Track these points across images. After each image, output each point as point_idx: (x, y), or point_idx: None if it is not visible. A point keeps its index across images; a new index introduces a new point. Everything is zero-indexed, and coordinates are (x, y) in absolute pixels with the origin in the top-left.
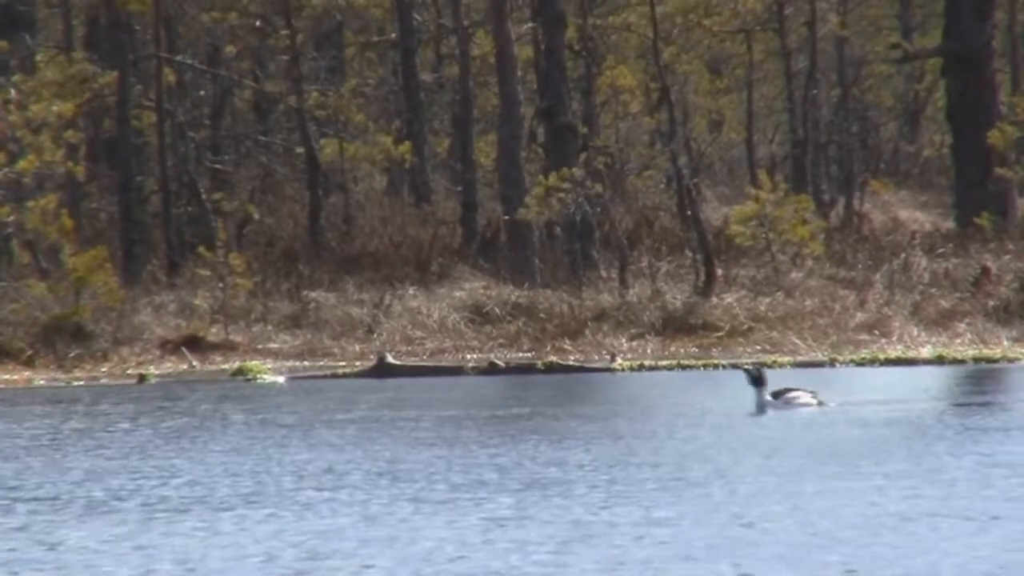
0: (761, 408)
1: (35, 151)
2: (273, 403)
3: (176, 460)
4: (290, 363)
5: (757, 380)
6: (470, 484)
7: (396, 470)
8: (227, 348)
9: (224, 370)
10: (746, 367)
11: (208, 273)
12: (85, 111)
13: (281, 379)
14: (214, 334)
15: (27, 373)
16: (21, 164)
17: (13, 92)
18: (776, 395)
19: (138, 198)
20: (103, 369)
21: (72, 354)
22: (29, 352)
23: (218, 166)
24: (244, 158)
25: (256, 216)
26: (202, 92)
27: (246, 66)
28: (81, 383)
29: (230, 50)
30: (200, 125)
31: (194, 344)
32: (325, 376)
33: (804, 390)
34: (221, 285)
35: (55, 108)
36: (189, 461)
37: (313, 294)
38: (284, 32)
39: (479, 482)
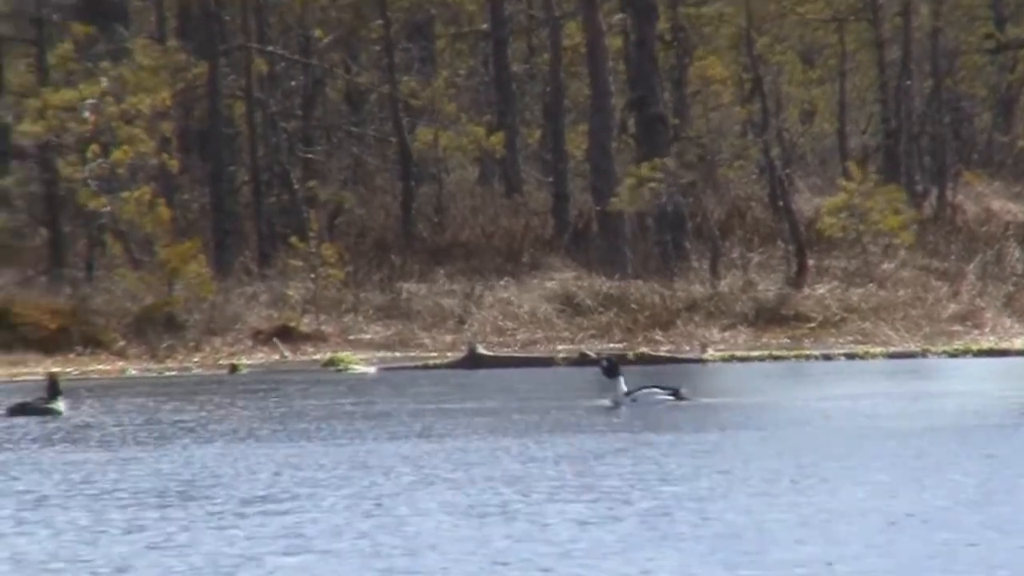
0: (617, 402)
1: (128, 142)
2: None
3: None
4: (381, 354)
5: (610, 372)
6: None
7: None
8: (318, 339)
9: (315, 361)
10: (599, 358)
11: (300, 263)
12: (177, 102)
13: (372, 369)
14: (306, 324)
15: (120, 363)
16: (115, 155)
17: (106, 82)
18: (631, 392)
19: (230, 189)
20: (195, 360)
21: (164, 345)
22: (122, 343)
23: (310, 156)
24: (336, 148)
25: (348, 206)
26: (294, 82)
27: (338, 56)
28: (173, 373)
29: (321, 36)
30: (292, 115)
31: (286, 335)
32: (416, 367)
33: (660, 387)
34: (313, 276)
35: (148, 99)
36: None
37: (404, 285)
38: (377, 22)
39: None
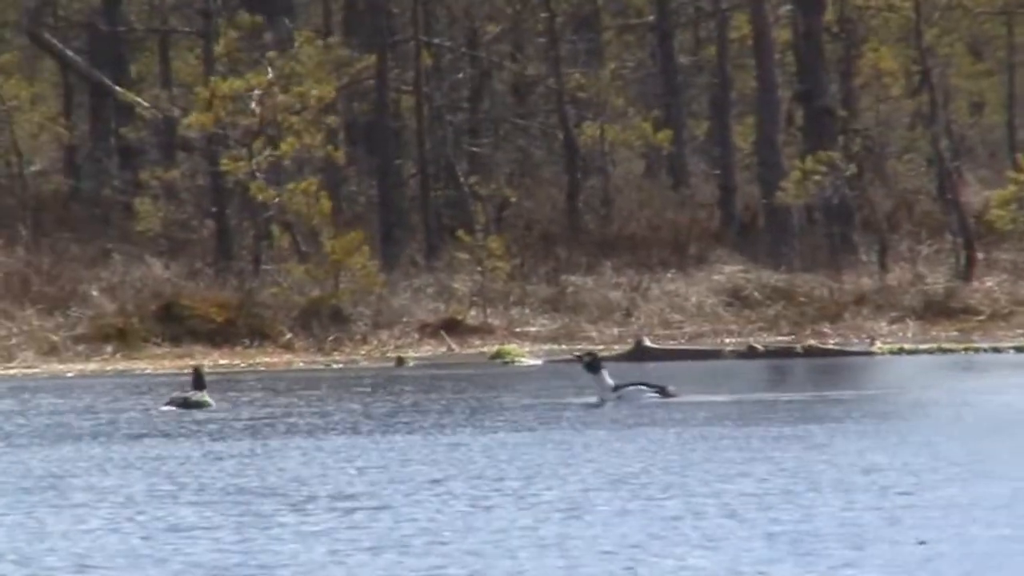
0: (605, 397)
1: (295, 135)
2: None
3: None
4: (547, 346)
5: (592, 367)
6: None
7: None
8: (485, 331)
9: (482, 353)
10: (579, 355)
11: (466, 256)
12: (344, 95)
13: (539, 362)
14: (472, 317)
15: (287, 356)
16: (282, 148)
17: (272, 74)
18: (618, 388)
19: (396, 182)
20: (361, 352)
21: (331, 337)
22: (289, 335)
23: (476, 149)
24: (502, 141)
25: (514, 199)
26: (460, 75)
27: (504, 48)
28: (340, 366)
29: (493, 28)
30: (458, 108)
31: (452, 327)
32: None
33: (647, 384)
34: (479, 268)
35: (314, 92)
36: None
37: (571, 277)
38: (543, 15)
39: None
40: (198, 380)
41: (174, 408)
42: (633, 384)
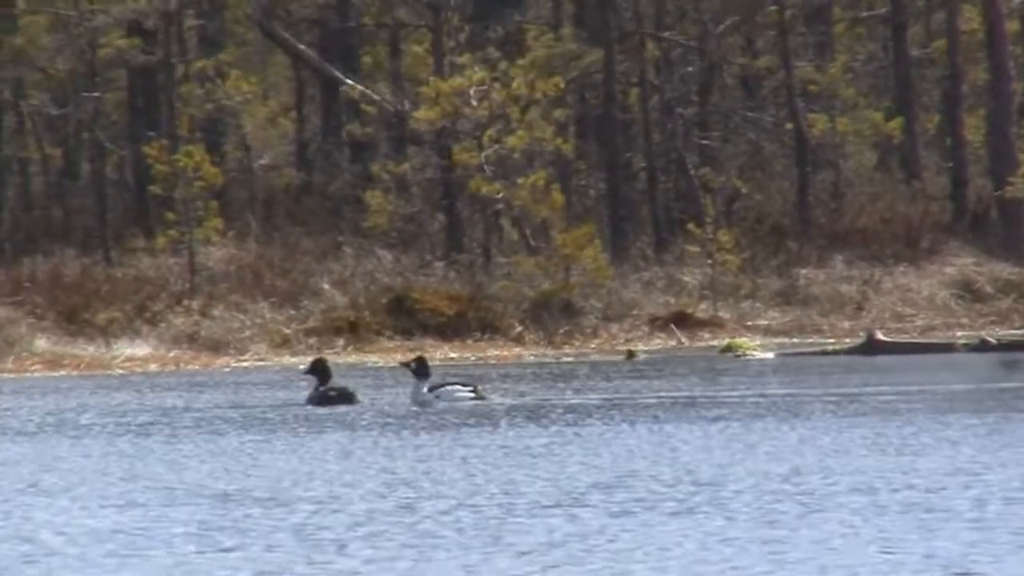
0: (419, 401)
1: (524, 128)
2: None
3: None
4: (778, 340)
5: (418, 373)
6: None
7: None
8: (715, 325)
9: (712, 347)
10: (404, 361)
11: (696, 250)
12: (573, 88)
13: (770, 355)
14: (702, 311)
15: (516, 349)
16: (510, 141)
17: (500, 68)
18: (433, 389)
19: (626, 175)
20: (592, 345)
21: (561, 330)
22: (519, 328)
23: (706, 142)
24: (732, 134)
25: (744, 192)
26: (690, 68)
27: (734, 41)
28: (570, 359)
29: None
30: (688, 101)
31: (682, 321)
32: (814, 353)
33: (461, 384)
34: (709, 261)
35: (542, 85)
36: None
37: (802, 271)
38: (773, 7)
39: None
40: (324, 372)
41: (317, 404)
42: (447, 384)
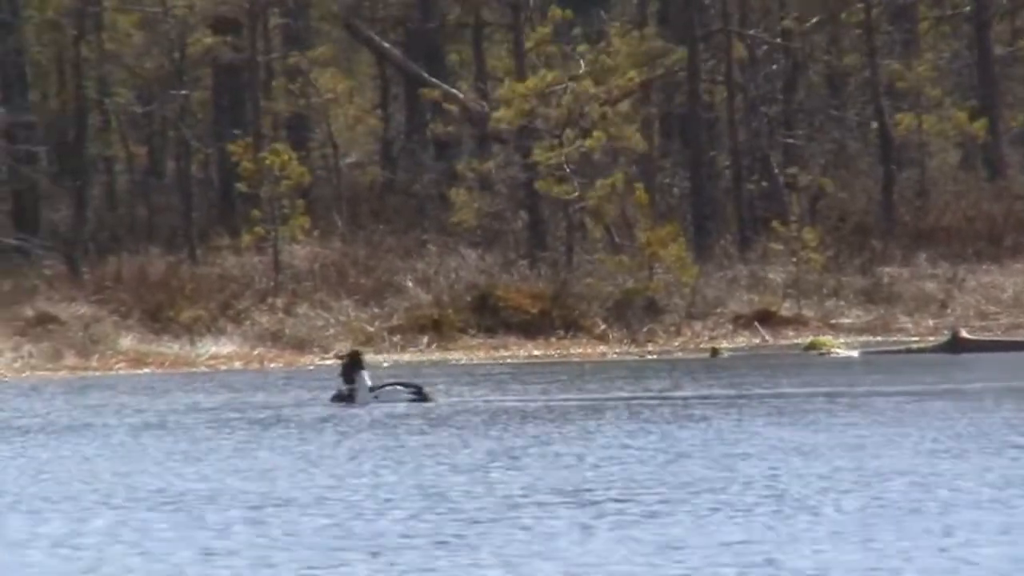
0: (358, 398)
1: (605, 126)
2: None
3: None
4: (862, 338)
5: (355, 366)
6: None
7: None
8: (799, 323)
9: (796, 345)
10: (340, 355)
11: (781, 248)
12: (657, 86)
13: (855, 354)
14: (786, 309)
15: (600, 347)
16: (591, 140)
17: (583, 67)
18: (374, 389)
19: (710, 173)
20: (676, 343)
21: (645, 328)
22: (603, 326)
23: (790, 140)
24: (817, 132)
25: (829, 190)
26: (775, 66)
27: (819, 39)
28: (653, 357)
29: (801, 19)
30: (772, 99)
31: (765, 318)
32: (899, 351)
33: (404, 384)
34: (794, 260)
35: (623, 83)
36: None
37: (886, 269)
38: (859, 5)
39: None
40: (354, 366)
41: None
42: (390, 384)
